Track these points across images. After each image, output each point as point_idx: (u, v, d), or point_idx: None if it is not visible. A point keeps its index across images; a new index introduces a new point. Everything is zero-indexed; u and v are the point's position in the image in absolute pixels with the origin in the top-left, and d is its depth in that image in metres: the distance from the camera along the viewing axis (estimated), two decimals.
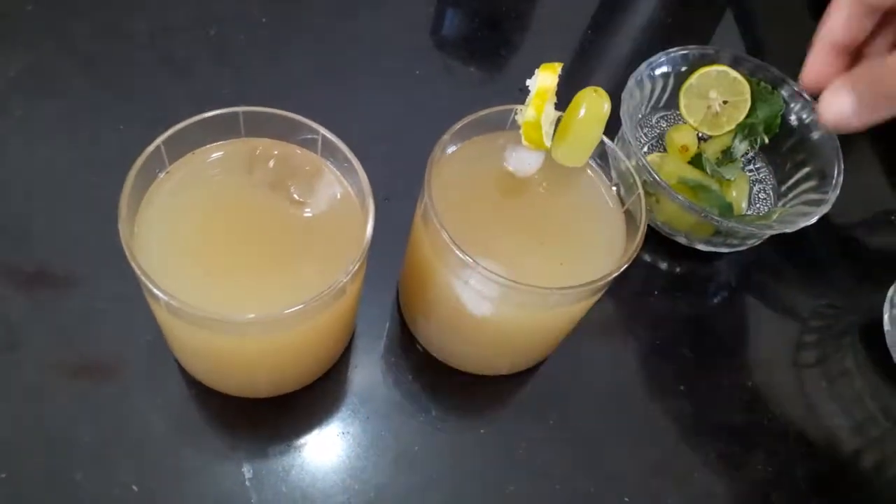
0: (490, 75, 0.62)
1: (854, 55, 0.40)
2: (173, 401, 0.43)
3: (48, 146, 0.50)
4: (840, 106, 0.35)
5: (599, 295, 0.39)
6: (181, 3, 0.59)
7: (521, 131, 0.40)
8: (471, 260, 0.35)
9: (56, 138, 0.50)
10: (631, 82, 0.52)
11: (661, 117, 0.58)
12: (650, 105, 0.57)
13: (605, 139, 0.40)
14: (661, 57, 0.54)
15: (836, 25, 0.39)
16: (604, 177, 0.42)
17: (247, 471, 0.41)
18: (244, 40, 0.58)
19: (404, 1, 0.65)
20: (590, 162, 0.41)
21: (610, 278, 0.36)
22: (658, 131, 0.58)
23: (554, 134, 0.39)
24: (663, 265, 0.54)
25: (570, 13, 0.68)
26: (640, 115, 0.56)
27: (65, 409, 0.41)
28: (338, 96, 0.57)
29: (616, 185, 0.41)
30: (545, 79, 0.37)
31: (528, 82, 0.39)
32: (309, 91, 0.57)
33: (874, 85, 0.35)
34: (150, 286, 0.32)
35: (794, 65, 0.63)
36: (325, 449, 0.42)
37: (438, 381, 0.46)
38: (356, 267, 0.34)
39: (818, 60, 0.40)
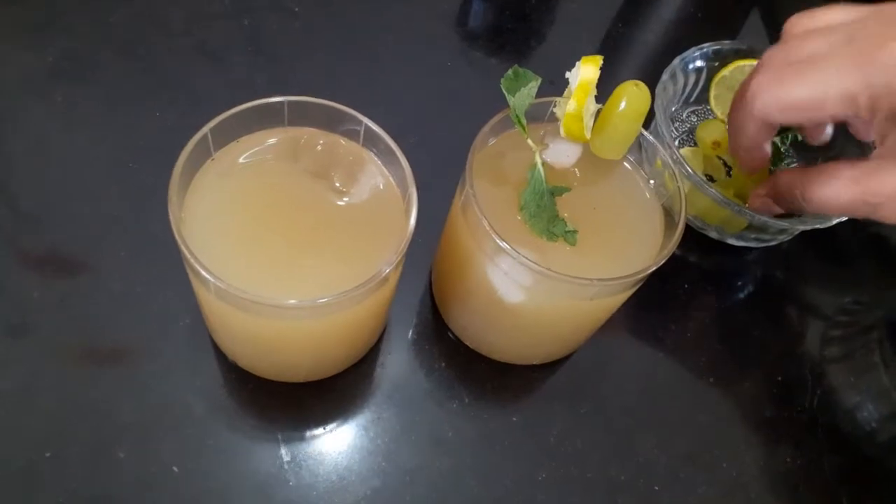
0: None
1: None
2: (212, 384, 0.43)
3: (87, 132, 0.50)
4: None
5: (635, 289, 0.40)
6: None
7: (560, 123, 0.40)
8: (510, 248, 0.35)
9: (95, 124, 0.51)
10: (665, 76, 0.52)
11: (692, 112, 0.59)
12: (682, 99, 0.57)
13: (645, 133, 0.40)
14: (694, 52, 0.54)
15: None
16: (641, 170, 0.42)
17: (284, 453, 0.41)
18: (277, 30, 0.58)
19: None
20: (627, 156, 0.42)
21: (647, 272, 0.37)
22: (688, 126, 0.58)
23: (593, 126, 0.40)
24: (693, 259, 0.54)
25: (598, 6, 0.68)
26: (672, 109, 0.57)
27: (107, 391, 0.42)
28: (368, 86, 0.57)
29: (652, 179, 0.42)
30: (587, 71, 0.37)
31: (568, 74, 0.39)
32: (339, 81, 0.57)
33: None
34: (199, 269, 0.32)
35: None
36: (360, 433, 0.43)
37: (470, 369, 0.46)
38: (400, 257, 0.35)
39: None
